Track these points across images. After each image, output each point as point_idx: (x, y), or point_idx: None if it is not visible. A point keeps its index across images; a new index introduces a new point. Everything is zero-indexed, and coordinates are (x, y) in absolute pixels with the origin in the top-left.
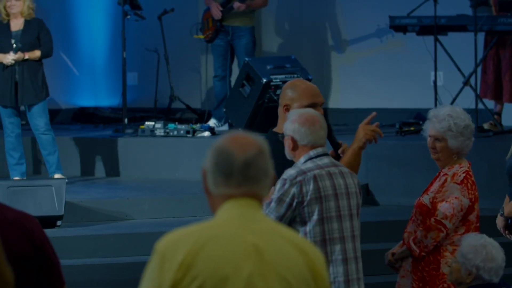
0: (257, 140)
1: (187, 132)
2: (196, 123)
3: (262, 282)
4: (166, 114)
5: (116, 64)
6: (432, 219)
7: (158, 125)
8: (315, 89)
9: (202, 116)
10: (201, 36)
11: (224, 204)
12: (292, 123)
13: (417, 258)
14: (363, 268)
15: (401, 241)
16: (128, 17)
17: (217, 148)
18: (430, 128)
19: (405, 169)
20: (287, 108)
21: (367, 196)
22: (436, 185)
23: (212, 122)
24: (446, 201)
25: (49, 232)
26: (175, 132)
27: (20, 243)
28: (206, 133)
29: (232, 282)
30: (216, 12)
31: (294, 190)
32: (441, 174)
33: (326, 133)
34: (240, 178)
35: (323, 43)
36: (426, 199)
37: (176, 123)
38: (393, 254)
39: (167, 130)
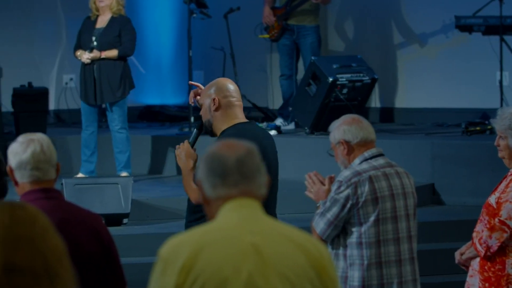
0: (244, 143)
1: None
2: (262, 122)
3: (263, 281)
4: None
5: (182, 62)
6: (496, 219)
7: None
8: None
9: (268, 115)
10: (266, 36)
11: (223, 206)
12: (338, 129)
13: (484, 258)
14: (430, 267)
15: (470, 241)
16: (194, 15)
17: (207, 155)
18: (495, 126)
19: (471, 169)
20: (214, 102)
21: (433, 196)
22: (502, 185)
23: (278, 121)
24: (510, 202)
25: (114, 230)
26: None
27: (89, 243)
28: (273, 132)
29: (232, 283)
30: (269, 18)
31: (348, 191)
32: (508, 174)
33: (373, 129)
34: (236, 176)
35: (389, 42)
36: (492, 199)
37: None
38: (462, 253)
39: None
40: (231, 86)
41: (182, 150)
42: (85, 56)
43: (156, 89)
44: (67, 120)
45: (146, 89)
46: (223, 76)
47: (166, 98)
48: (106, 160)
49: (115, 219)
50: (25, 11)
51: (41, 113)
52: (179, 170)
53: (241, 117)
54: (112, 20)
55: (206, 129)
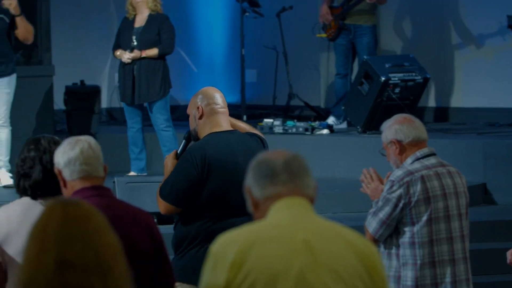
0: (289, 151)
1: (306, 129)
2: (315, 120)
3: (314, 277)
4: (285, 112)
5: (235, 61)
6: None
7: (276, 123)
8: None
9: (320, 114)
10: (324, 35)
11: (272, 205)
12: (390, 129)
13: None
14: (481, 267)
15: None
16: (247, 14)
17: (254, 163)
18: None
19: None
20: (199, 111)
21: (485, 196)
22: None
23: (331, 120)
24: None
25: (166, 228)
26: (294, 130)
27: (141, 238)
28: (325, 131)
29: (283, 278)
30: (326, 16)
31: (401, 191)
32: None
33: (425, 129)
34: (284, 176)
35: (445, 42)
36: None
37: (295, 120)
38: None
39: (286, 128)
40: (215, 94)
41: (168, 161)
42: (125, 56)
43: None
44: (119, 118)
45: (199, 88)
46: (276, 75)
47: None
48: (156, 159)
49: (166, 217)
50: (78, 9)
51: (93, 111)
52: None
53: (224, 125)
54: (150, 18)
55: (193, 138)
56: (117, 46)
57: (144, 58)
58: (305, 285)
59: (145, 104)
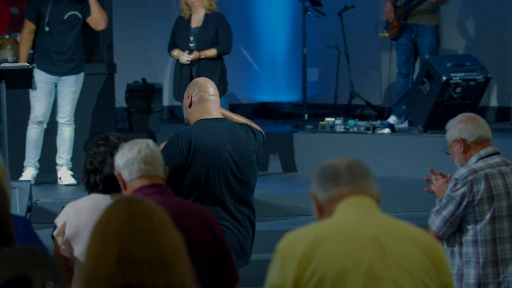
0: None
1: (367, 128)
2: (376, 120)
3: (383, 271)
4: (346, 111)
5: (297, 60)
6: None
7: (338, 122)
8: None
9: (382, 113)
10: (386, 34)
11: (338, 205)
12: (455, 128)
13: None
14: None
15: None
16: (309, 13)
17: (318, 169)
18: None
19: None
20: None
21: None
22: None
23: (392, 119)
24: None
25: None
26: (355, 129)
27: (201, 235)
28: (386, 130)
29: (353, 273)
30: (390, 14)
31: (464, 189)
32: None
33: (489, 128)
34: (348, 177)
35: (506, 41)
36: None
37: (356, 119)
38: None
39: (347, 127)
40: (206, 83)
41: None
42: (184, 58)
43: (270, 86)
44: (181, 117)
45: (260, 86)
46: (337, 74)
47: (280, 95)
48: None
49: None
50: (140, 7)
51: (154, 110)
52: (289, 168)
53: (214, 113)
54: (207, 18)
55: (185, 125)
56: (173, 46)
57: (202, 58)
58: (374, 280)
59: None
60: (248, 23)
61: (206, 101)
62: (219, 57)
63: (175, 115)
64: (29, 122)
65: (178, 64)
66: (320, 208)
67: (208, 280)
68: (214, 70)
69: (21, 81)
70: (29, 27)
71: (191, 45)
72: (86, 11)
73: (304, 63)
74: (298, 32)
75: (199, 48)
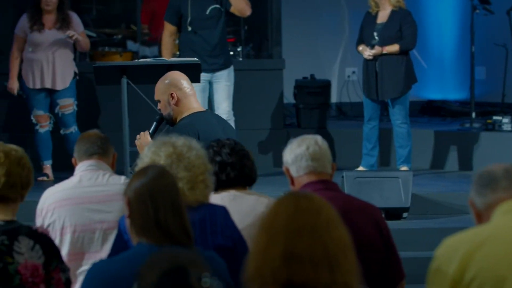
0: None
1: None
2: None
3: None
4: None
5: (464, 58)
6: None
7: (505, 120)
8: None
9: None
10: None
11: (495, 210)
12: None
13: None
14: None
15: None
16: (477, 11)
17: (476, 176)
18: None
19: None
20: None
21: None
22: None
23: None
24: None
25: (394, 224)
26: None
27: (368, 229)
28: None
29: (510, 281)
30: None
31: None
32: None
33: None
34: (506, 182)
35: None
36: None
37: None
38: None
39: None
40: (182, 77)
41: (143, 141)
42: (366, 53)
43: (438, 84)
44: (349, 113)
45: (428, 84)
46: (505, 72)
47: (447, 93)
48: (387, 154)
49: (395, 213)
50: (309, 3)
51: (322, 106)
52: (461, 166)
53: (196, 106)
54: (392, 15)
55: (167, 121)
56: (360, 41)
57: (385, 54)
58: None
59: (386, 100)
60: (417, 20)
61: (190, 96)
62: (404, 53)
63: (343, 111)
64: None
65: (364, 59)
66: (478, 215)
67: (374, 277)
68: (399, 65)
69: (189, 76)
70: (169, 29)
71: (374, 40)
72: (226, 2)
73: (472, 61)
74: (466, 30)
75: (382, 43)
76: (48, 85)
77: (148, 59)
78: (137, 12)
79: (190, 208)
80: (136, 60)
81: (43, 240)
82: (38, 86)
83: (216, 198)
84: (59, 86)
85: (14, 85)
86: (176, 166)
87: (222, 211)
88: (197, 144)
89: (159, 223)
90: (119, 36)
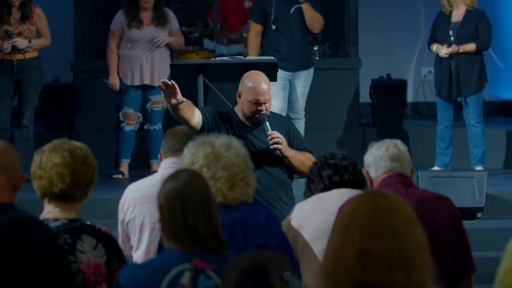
0: None
1: None
2: None
3: None
4: None
5: None
6: None
7: None
8: (260, 88)
9: None
10: None
11: None
12: None
13: None
14: None
15: None
16: None
17: None
18: None
19: None
20: (239, 95)
21: None
22: None
23: None
24: None
25: (468, 223)
26: None
27: (443, 224)
28: None
29: None
30: None
31: None
32: None
33: None
34: None
35: None
36: None
37: None
38: None
39: None
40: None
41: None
42: (443, 51)
43: None
44: (424, 113)
45: (504, 84)
46: None
47: None
48: (462, 154)
49: (469, 213)
50: (386, 3)
51: (398, 105)
52: None
53: None
54: (467, 14)
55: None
56: (433, 40)
57: (461, 53)
58: None
59: (460, 99)
60: (492, 20)
61: None
62: (478, 52)
63: (418, 111)
64: None
65: (437, 58)
66: None
67: (448, 269)
68: (473, 64)
69: (267, 75)
70: (255, 28)
71: (450, 39)
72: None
73: None
74: None
75: (458, 42)
76: (147, 81)
77: (225, 58)
78: (214, 11)
79: (231, 207)
80: (213, 59)
81: (105, 239)
82: (137, 82)
83: (333, 194)
84: (156, 83)
85: (116, 81)
86: (214, 166)
87: (265, 210)
88: (236, 142)
89: (188, 229)
90: (196, 34)
